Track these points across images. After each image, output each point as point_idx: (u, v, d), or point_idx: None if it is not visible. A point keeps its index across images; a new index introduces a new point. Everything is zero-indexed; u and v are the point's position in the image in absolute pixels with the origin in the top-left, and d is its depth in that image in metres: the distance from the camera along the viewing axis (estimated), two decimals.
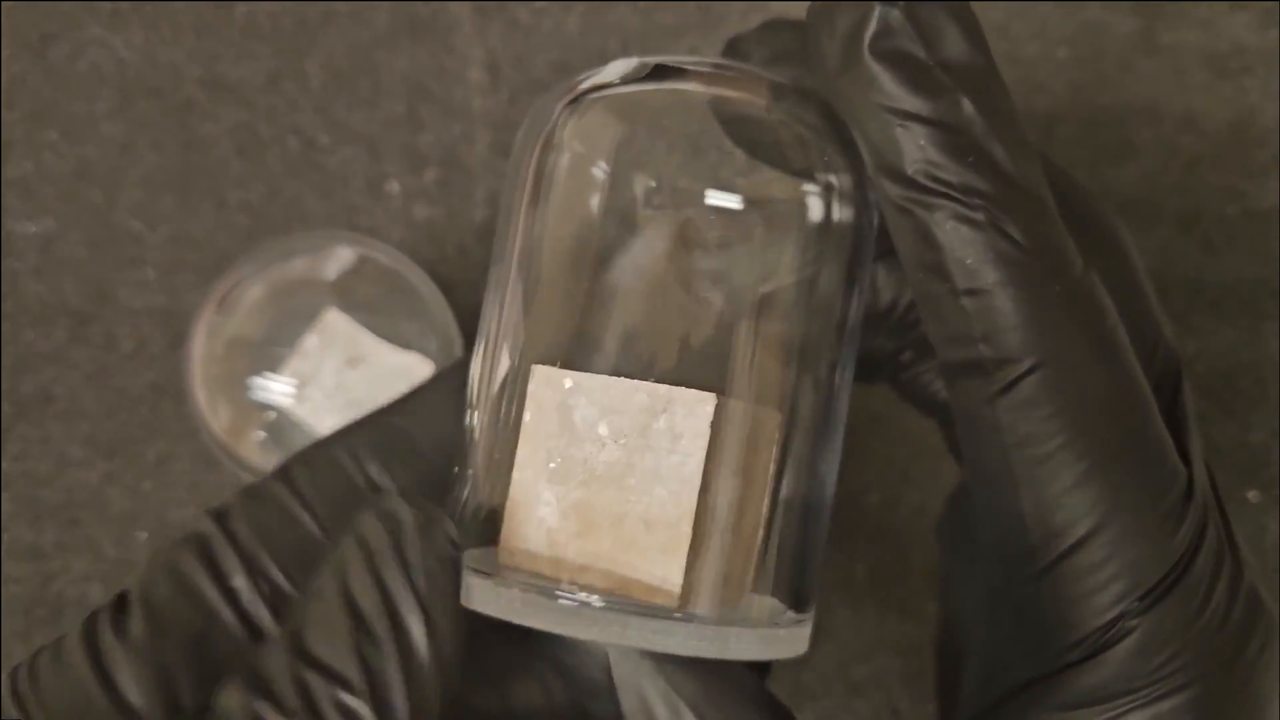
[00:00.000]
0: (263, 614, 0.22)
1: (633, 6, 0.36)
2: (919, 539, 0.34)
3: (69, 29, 0.36)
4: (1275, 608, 0.22)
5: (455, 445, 0.23)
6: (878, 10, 0.21)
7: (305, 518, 0.23)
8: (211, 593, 0.22)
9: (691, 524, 0.20)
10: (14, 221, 0.35)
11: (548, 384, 0.21)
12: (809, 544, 0.22)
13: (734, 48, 0.26)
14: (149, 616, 0.21)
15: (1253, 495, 0.34)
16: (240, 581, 0.22)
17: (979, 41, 0.21)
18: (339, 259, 0.34)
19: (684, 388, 0.20)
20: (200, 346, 0.33)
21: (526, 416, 0.21)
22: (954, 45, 0.21)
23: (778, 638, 0.21)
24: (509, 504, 0.21)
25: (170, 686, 0.21)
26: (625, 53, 0.37)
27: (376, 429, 0.24)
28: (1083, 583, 0.21)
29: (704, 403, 0.20)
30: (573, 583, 0.20)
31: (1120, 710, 0.20)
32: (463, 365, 0.24)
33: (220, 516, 0.23)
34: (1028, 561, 0.21)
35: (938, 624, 0.28)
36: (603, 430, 0.21)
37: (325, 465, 0.24)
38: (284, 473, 0.24)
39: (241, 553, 0.22)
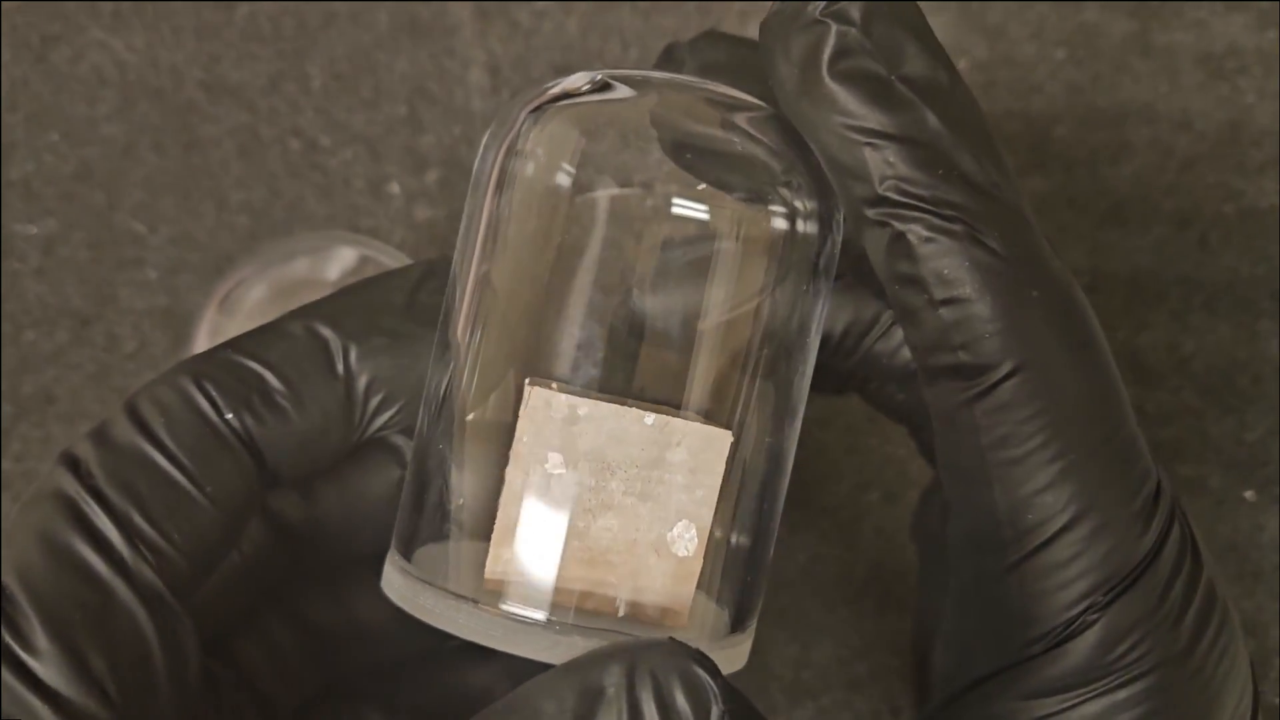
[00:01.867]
0: (154, 580, 0.21)
1: (633, 8, 0.37)
2: None
3: (70, 31, 0.36)
4: (1233, 604, 0.22)
5: (313, 401, 0.23)
6: (834, 30, 0.21)
7: (174, 473, 0.22)
8: (101, 567, 0.21)
9: (704, 552, 0.21)
10: (15, 223, 0.35)
11: (545, 406, 0.21)
12: (756, 562, 0.23)
13: (669, 55, 0.26)
14: (42, 609, 0.20)
15: (1249, 494, 0.34)
16: (125, 550, 0.21)
17: (939, 54, 0.21)
18: (340, 260, 0.34)
19: (699, 423, 0.21)
20: (202, 347, 0.33)
21: (523, 438, 0.21)
22: (914, 59, 0.21)
23: (717, 656, 0.21)
24: (500, 527, 0.21)
25: (90, 674, 0.20)
26: (625, 55, 0.37)
27: (228, 369, 0.23)
28: (1050, 579, 0.21)
29: (721, 440, 0.21)
30: (575, 608, 0.21)
31: (1078, 699, 0.21)
32: (313, 311, 0.24)
33: (77, 468, 0.22)
34: (998, 557, 0.21)
35: (913, 616, 0.28)
36: (611, 458, 0.21)
37: (181, 410, 0.22)
38: (136, 416, 0.22)
39: (115, 516, 0.21)
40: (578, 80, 0.22)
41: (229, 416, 0.22)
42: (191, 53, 0.36)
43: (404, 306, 0.24)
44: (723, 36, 0.26)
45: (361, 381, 0.23)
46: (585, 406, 0.21)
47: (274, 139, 0.36)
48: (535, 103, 0.22)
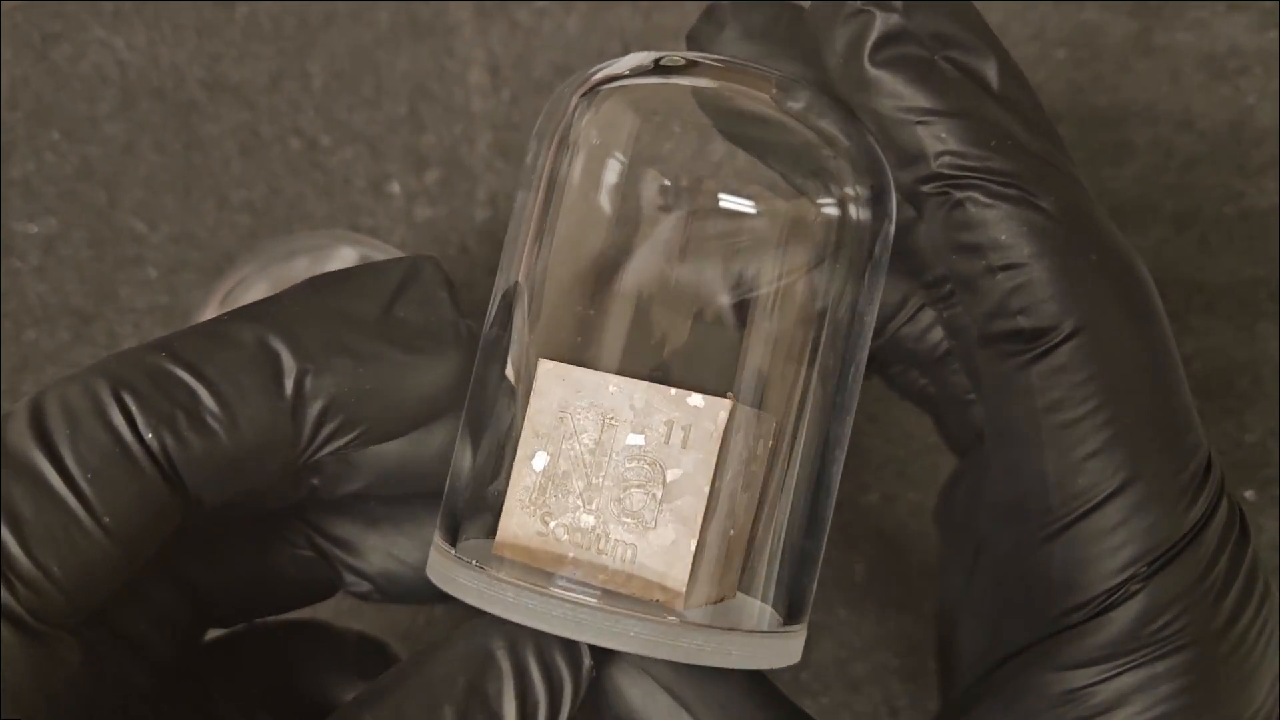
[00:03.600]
0: (23, 615, 0.19)
1: (633, 7, 0.37)
2: (917, 538, 0.34)
3: (71, 30, 0.36)
4: (1274, 583, 0.22)
5: (250, 424, 0.20)
6: (878, 18, 0.21)
7: (68, 497, 0.19)
8: None
9: (699, 529, 0.20)
10: (16, 221, 0.35)
11: (556, 380, 0.21)
12: (807, 554, 0.22)
13: (710, 17, 0.26)
14: None
15: (1249, 495, 0.35)
16: None
17: (983, 32, 0.22)
18: (340, 258, 0.34)
19: (699, 393, 0.20)
20: None
21: (530, 410, 0.21)
22: (958, 40, 0.21)
23: (772, 647, 0.21)
24: (509, 499, 0.21)
25: None
26: (626, 54, 0.37)
27: (155, 379, 0.20)
28: (1096, 545, 0.21)
29: (719, 408, 0.20)
30: (578, 581, 0.20)
31: (1116, 670, 0.21)
32: (269, 316, 0.21)
33: None
34: (1043, 523, 0.21)
35: (937, 603, 0.28)
36: (620, 432, 0.20)
37: (90, 422, 0.20)
38: (38, 421, 0.20)
39: None
40: (629, 62, 0.22)
41: (147, 436, 0.20)
42: (192, 51, 0.36)
43: (376, 321, 0.22)
44: (765, 3, 0.26)
45: (315, 406, 0.21)
46: (588, 378, 0.20)
47: (275, 138, 0.36)
48: (585, 86, 0.22)
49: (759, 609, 0.22)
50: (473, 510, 0.22)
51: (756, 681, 0.22)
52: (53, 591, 0.19)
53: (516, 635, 0.20)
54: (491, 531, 0.21)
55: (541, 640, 0.20)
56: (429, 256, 0.23)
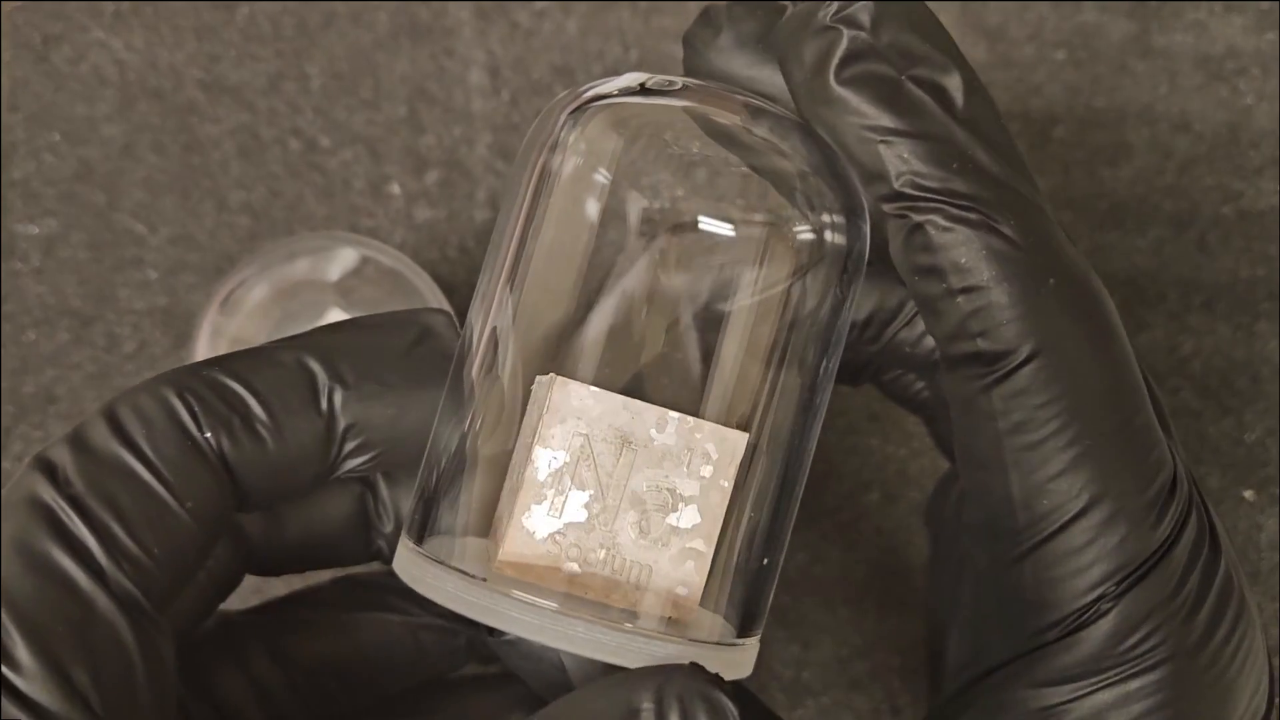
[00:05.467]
0: (133, 592, 0.21)
1: (633, 9, 0.37)
2: (919, 536, 0.34)
3: (70, 31, 0.36)
4: (1251, 596, 0.22)
5: (292, 434, 0.22)
6: (845, 35, 0.21)
7: (156, 486, 0.21)
8: (82, 579, 0.20)
9: (713, 553, 0.21)
10: (16, 223, 0.35)
11: (571, 398, 0.21)
12: (766, 568, 0.23)
13: (706, 20, 0.26)
14: (23, 622, 0.20)
15: (1249, 494, 0.35)
16: (105, 562, 0.21)
17: (951, 51, 0.22)
18: (341, 260, 0.34)
19: (713, 423, 0.21)
20: (203, 347, 0.33)
21: (542, 428, 0.21)
22: (925, 59, 0.21)
23: (726, 659, 0.21)
24: (515, 515, 0.21)
25: (74, 688, 0.20)
26: (625, 56, 0.37)
27: (213, 388, 0.22)
28: (1064, 565, 0.21)
29: (738, 440, 0.21)
30: (584, 598, 0.21)
31: (1090, 689, 0.21)
32: (307, 343, 0.23)
33: (53, 475, 0.21)
34: (1012, 544, 0.22)
35: (925, 605, 0.29)
36: (638, 456, 0.21)
37: (162, 421, 0.22)
38: (115, 423, 0.22)
39: (95, 526, 0.21)
40: (619, 83, 0.23)
41: (208, 435, 0.22)
42: (191, 53, 0.36)
43: (402, 355, 0.24)
44: (759, 5, 0.26)
45: (341, 424, 0.23)
46: (608, 400, 0.21)
47: (274, 139, 0.36)
48: (574, 104, 0.23)
49: (711, 620, 0.22)
50: (444, 511, 0.23)
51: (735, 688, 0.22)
52: (154, 569, 0.21)
53: (665, 691, 0.19)
54: (449, 530, 0.22)
55: (687, 702, 0.19)
56: (444, 310, 0.25)
